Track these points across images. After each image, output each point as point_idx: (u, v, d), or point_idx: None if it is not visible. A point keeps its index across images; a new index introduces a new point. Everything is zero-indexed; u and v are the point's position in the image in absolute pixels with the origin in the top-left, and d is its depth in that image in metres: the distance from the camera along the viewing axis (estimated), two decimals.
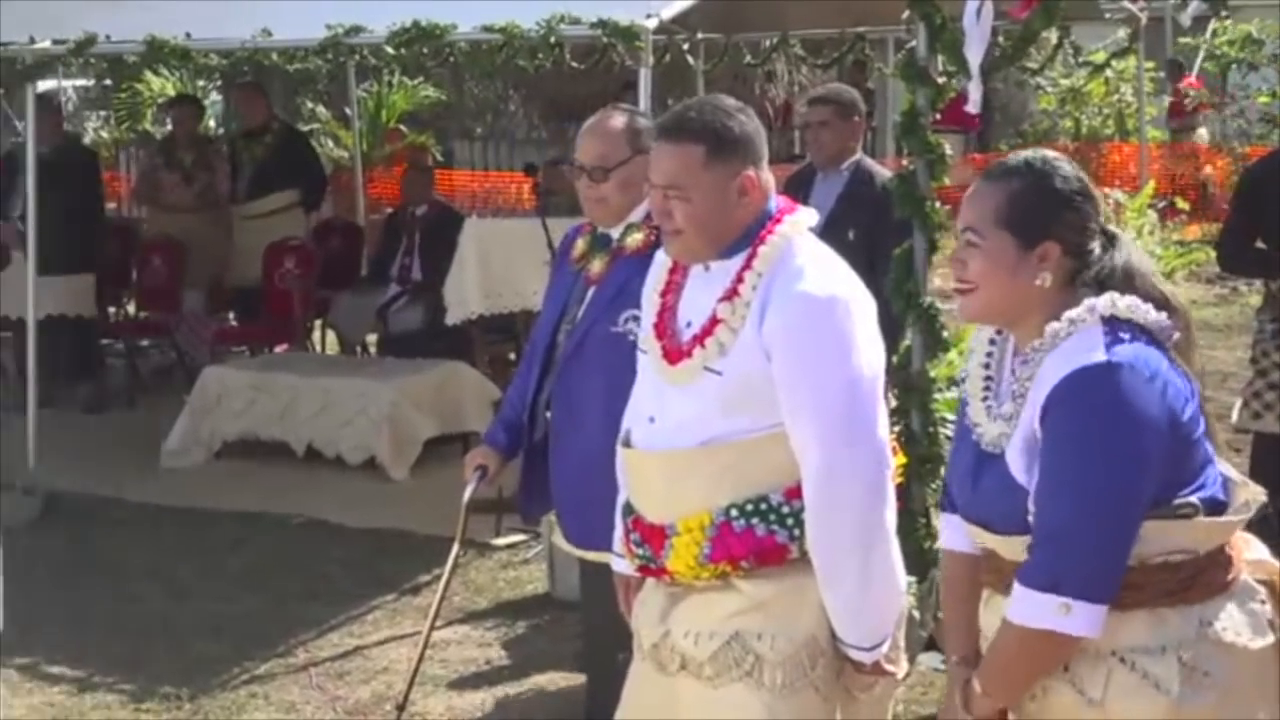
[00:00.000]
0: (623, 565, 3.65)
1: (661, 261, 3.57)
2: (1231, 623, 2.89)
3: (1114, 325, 2.87)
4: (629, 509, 3.50)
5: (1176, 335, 2.93)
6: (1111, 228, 3.02)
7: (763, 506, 3.29)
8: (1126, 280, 2.94)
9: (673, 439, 3.36)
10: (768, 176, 3.45)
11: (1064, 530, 2.79)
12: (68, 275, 9.88)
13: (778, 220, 3.39)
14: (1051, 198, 2.94)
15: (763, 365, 3.27)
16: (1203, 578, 2.89)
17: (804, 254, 3.36)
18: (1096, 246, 2.97)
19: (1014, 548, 2.92)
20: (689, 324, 3.40)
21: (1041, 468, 2.84)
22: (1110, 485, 2.79)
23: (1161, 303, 2.94)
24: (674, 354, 3.38)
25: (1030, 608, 2.82)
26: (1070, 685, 2.89)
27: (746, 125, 3.40)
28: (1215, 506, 2.91)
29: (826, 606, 3.28)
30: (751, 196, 3.39)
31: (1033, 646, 2.85)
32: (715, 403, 3.31)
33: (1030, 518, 2.86)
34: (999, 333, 3.09)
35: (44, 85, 13.64)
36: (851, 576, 3.25)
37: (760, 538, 3.29)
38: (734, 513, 3.30)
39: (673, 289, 3.49)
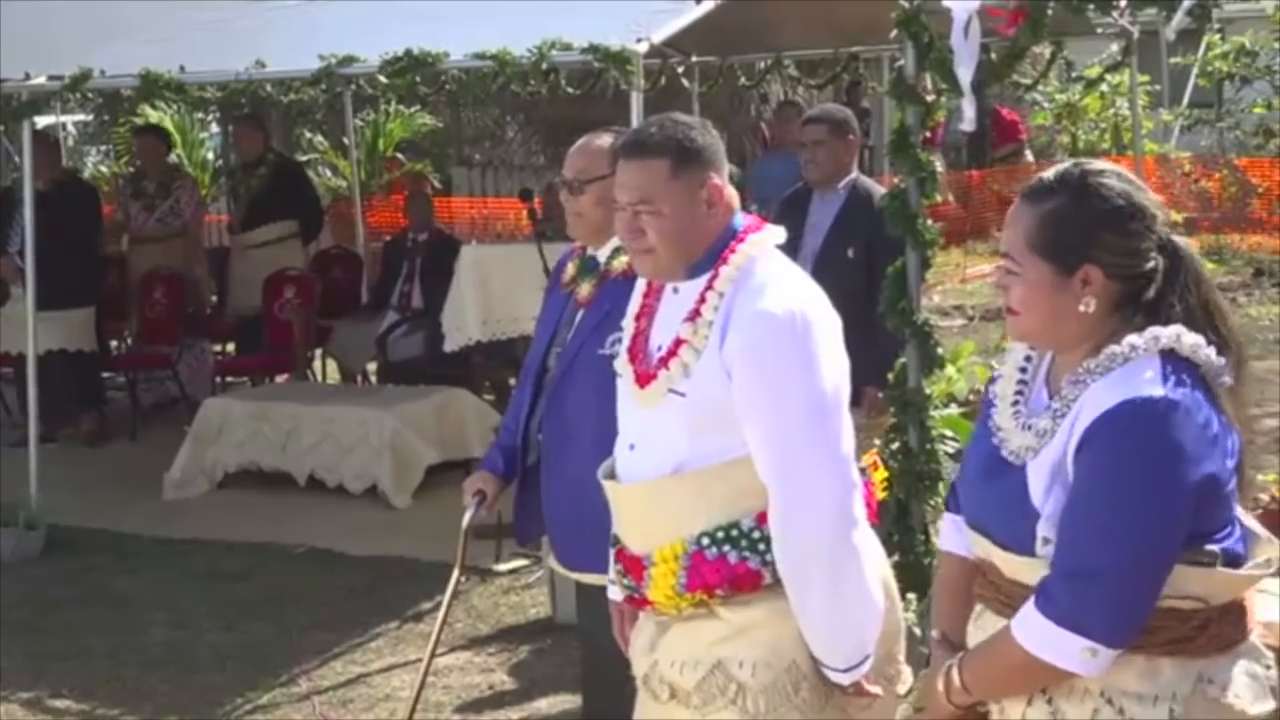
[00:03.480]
0: (619, 593, 3.65)
1: (640, 286, 3.58)
2: (1232, 684, 2.75)
3: (1173, 361, 2.70)
4: (615, 539, 3.51)
5: (1227, 380, 2.74)
6: (1175, 238, 2.80)
7: (734, 533, 3.27)
8: (1189, 312, 2.75)
9: (647, 468, 3.36)
10: (731, 190, 3.44)
11: (1099, 572, 2.64)
12: (67, 310, 9.91)
13: (741, 239, 3.38)
14: (1088, 218, 2.74)
15: (725, 386, 3.24)
16: (1210, 630, 2.74)
17: (765, 272, 3.34)
18: (1153, 264, 2.75)
19: (1015, 566, 2.80)
20: (659, 347, 3.39)
21: (1076, 497, 2.69)
22: (1153, 530, 2.64)
23: (1222, 340, 2.76)
24: (643, 377, 3.38)
25: (1051, 643, 2.68)
26: None
27: (706, 136, 3.41)
28: (1233, 559, 2.75)
29: (801, 627, 3.25)
30: (719, 206, 3.38)
31: (1036, 671, 2.73)
32: (681, 427, 3.30)
33: (1042, 543, 2.73)
34: None
35: (44, 121, 13.71)
36: (821, 598, 3.21)
37: (733, 565, 3.27)
38: (705, 541, 3.28)
39: (646, 313, 3.49)
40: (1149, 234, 2.76)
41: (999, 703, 2.88)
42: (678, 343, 3.32)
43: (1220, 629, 2.76)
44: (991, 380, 3.03)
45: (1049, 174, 2.84)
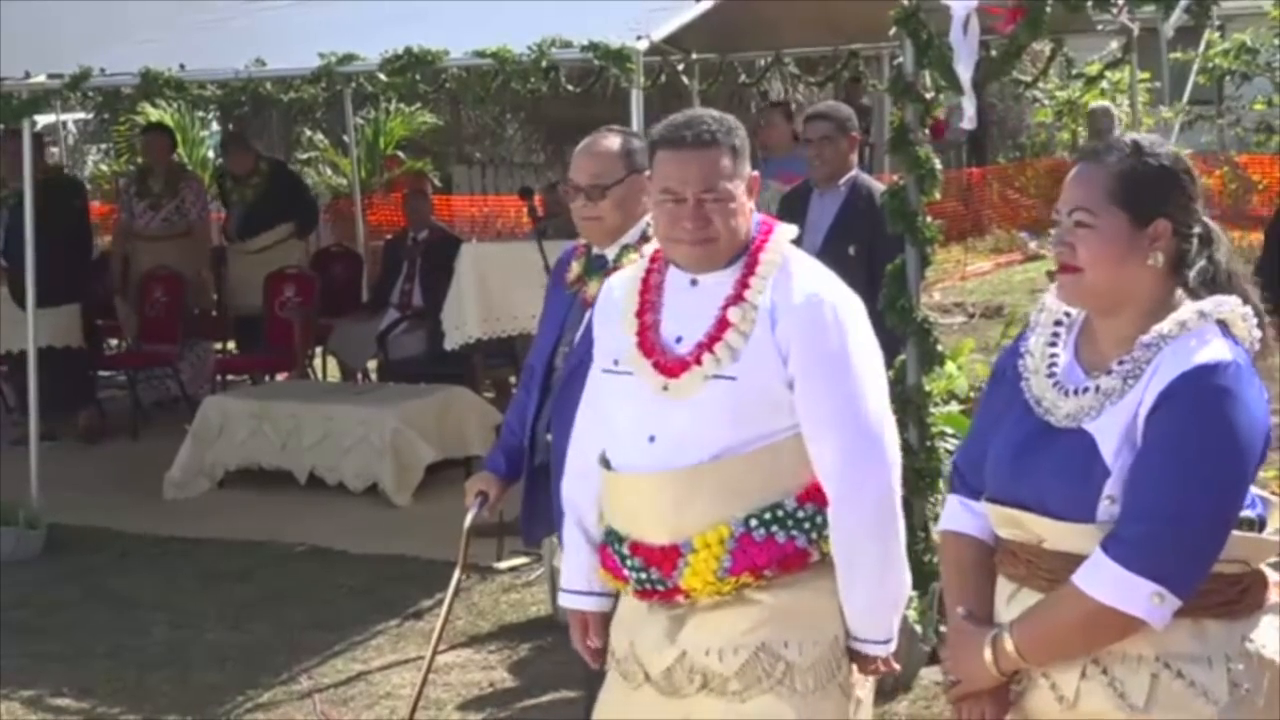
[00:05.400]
0: (581, 602, 3.63)
1: (623, 284, 3.58)
2: (1269, 639, 2.86)
3: (1225, 329, 2.85)
4: (616, 535, 3.47)
5: (1256, 347, 2.90)
6: (1207, 220, 2.97)
7: (779, 513, 3.32)
8: (1230, 282, 2.93)
9: (677, 457, 3.35)
10: None
11: (1179, 519, 2.73)
12: (51, 307, 9.88)
13: (768, 231, 3.47)
14: (1163, 174, 2.90)
15: (779, 368, 3.32)
16: (1251, 592, 2.87)
17: (802, 262, 3.46)
18: (1199, 230, 2.92)
19: (1063, 535, 2.85)
20: (679, 339, 3.40)
21: (1155, 452, 2.77)
22: (1231, 482, 2.77)
23: (1258, 315, 2.93)
24: (672, 367, 3.38)
25: (1118, 587, 2.75)
26: (1111, 690, 2.83)
27: (744, 132, 3.50)
28: (1262, 525, 2.90)
29: (844, 602, 3.33)
30: (755, 198, 3.48)
31: (1101, 623, 2.79)
32: (726, 412, 3.32)
33: (1107, 503, 2.80)
34: (1067, 314, 3.04)
35: (44, 119, 13.71)
36: (871, 568, 3.32)
37: (781, 544, 3.31)
38: (753, 523, 3.31)
39: (649, 308, 3.49)
40: (1200, 198, 2.95)
41: (1049, 678, 2.90)
42: (723, 326, 3.35)
43: (1257, 591, 2.89)
44: (1017, 355, 3.07)
45: (1112, 140, 3.01)
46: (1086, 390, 2.89)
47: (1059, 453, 2.88)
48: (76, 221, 10.65)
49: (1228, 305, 2.87)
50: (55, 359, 10.01)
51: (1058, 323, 3.04)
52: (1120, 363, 2.87)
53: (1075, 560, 2.82)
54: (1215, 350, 2.80)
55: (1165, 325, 2.84)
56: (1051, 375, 2.97)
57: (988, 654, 2.92)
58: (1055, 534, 2.87)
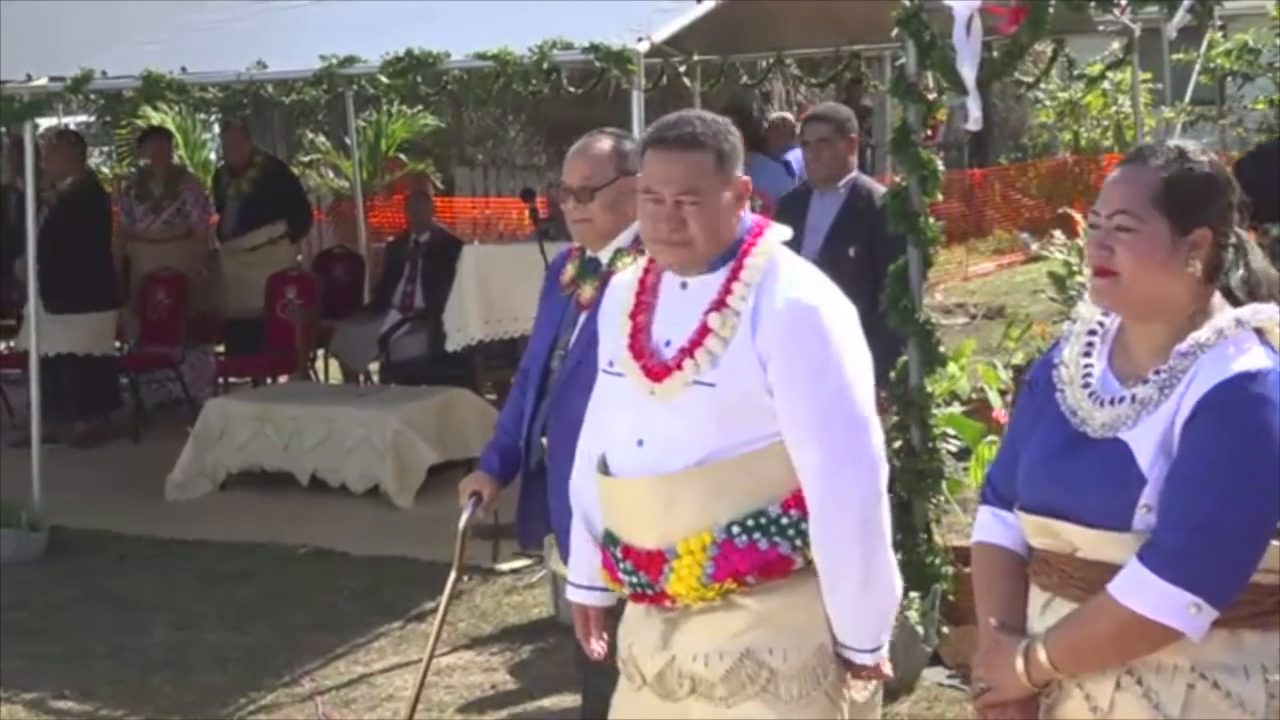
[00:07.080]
0: (584, 596, 3.65)
1: (624, 285, 3.58)
2: None
3: (1261, 337, 2.84)
4: (612, 538, 3.47)
5: None
6: (1239, 230, 2.95)
7: (763, 520, 3.29)
8: (1266, 289, 2.92)
9: (664, 461, 3.34)
10: None
11: (1218, 529, 2.71)
12: (91, 313, 9.90)
13: (758, 234, 3.43)
14: (1207, 182, 2.88)
15: (758, 375, 3.29)
16: None
17: (789, 266, 3.42)
18: (1235, 239, 2.91)
19: (1099, 544, 2.82)
20: (668, 342, 3.39)
21: (1194, 461, 2.75)
22: (1267, 493, 2.73)
23: None
24: (658, 371, 3.37)
25: (1155, 598, 2.72)
26: (1146, 700, 2.80)
27: (735, 135, 3.47)
28: None
29: (829, 609, 3.30)
30: (744, 204, 3.45)
31: (1136, 633, 2.76)
32: (710, 417, 3.31)
33: (1143, 512, 2.78)
34: (1100, 324, 3.01)
35: (46, 122, 13.74)
36: (854, 575, 3.27)
37: (764, 551, 3.29)
38: (735, 529, 3.29)
39: (643, 309, 3.49)
40: (1238, 209, 2.93)
41: (1083, 688, 2.87)
42: (704, 332, 3.33)
43: None
44: (1050, 366, 3.05)
45: (1154, 146, 2.97)
46: (1122, 400, 2.87)
47: (1095, 461, 2.86)
48: (109, 225, 10.71)
49: (1265, 313, 2.85)
50: (86, 365, 10.06)
51: (1091, 332, 3.02)
52: (1157, 372, 2.85)
53: (1110, 569, 2.79)
54: (1254, 358, 2.78)
55: (1203, 334, 2.82)
56: (1086, 385, 2.95)
57: (1020, 664, 2.90)
58: (1090, 542, 2.85)
